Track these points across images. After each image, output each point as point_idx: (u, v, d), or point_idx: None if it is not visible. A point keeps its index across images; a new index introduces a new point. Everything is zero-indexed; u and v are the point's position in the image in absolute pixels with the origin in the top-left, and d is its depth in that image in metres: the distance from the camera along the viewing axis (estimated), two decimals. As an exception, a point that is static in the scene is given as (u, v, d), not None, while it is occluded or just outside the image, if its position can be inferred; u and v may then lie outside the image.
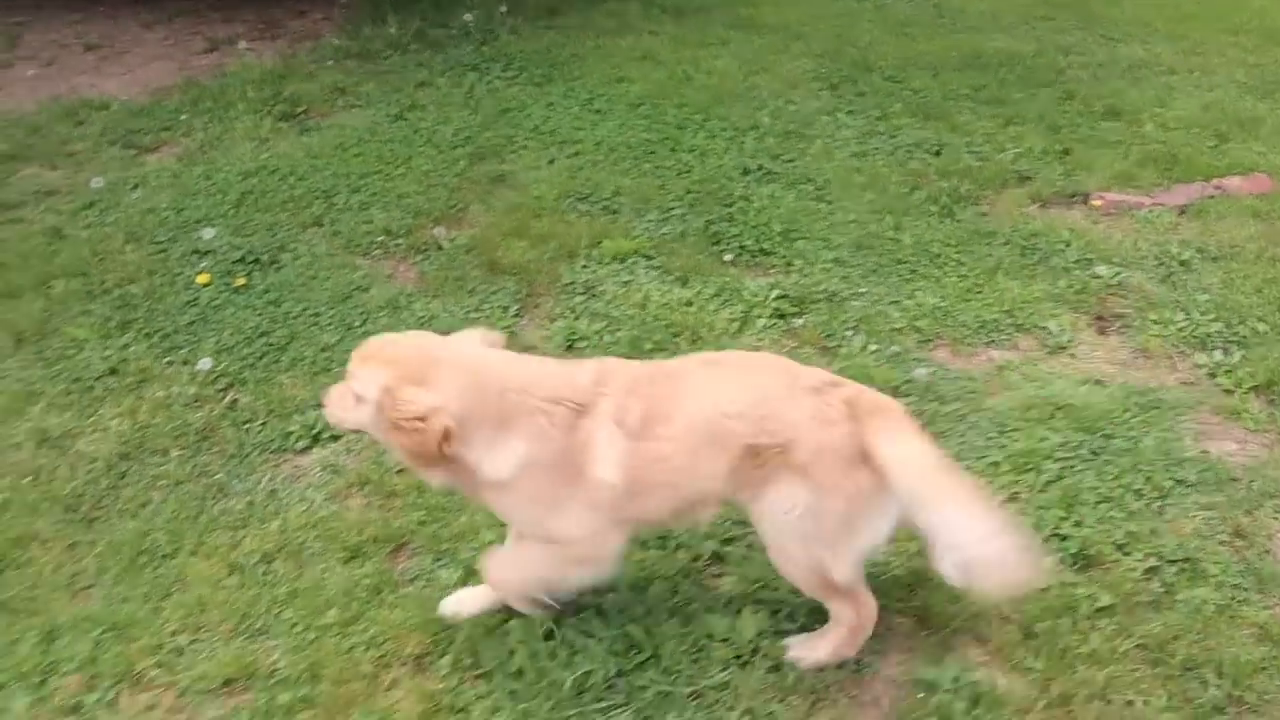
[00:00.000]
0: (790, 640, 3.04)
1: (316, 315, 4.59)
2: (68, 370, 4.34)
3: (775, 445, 2.74)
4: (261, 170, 5.86)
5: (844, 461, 2.73)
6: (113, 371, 4.31)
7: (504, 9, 8.18)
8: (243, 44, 7.77)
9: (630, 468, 2.78)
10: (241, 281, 4.82)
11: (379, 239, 5.19)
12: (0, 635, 3.15)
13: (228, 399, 4.17)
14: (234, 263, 4.98)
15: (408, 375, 2.71)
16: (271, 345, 4.43)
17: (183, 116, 6.70)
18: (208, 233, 5.16)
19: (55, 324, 4.63)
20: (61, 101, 7.05)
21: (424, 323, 4.46)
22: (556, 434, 2.76)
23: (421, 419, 2.66)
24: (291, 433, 3.93)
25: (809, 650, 3.01)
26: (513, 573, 3.03)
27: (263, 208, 5.49)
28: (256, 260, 5.00)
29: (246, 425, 4.01)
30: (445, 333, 2.94)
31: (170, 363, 4.35)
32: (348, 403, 2.83)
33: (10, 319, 4.65)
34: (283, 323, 4.57)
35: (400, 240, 5.18)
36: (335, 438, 3.86)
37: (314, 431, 3.91)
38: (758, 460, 2.76)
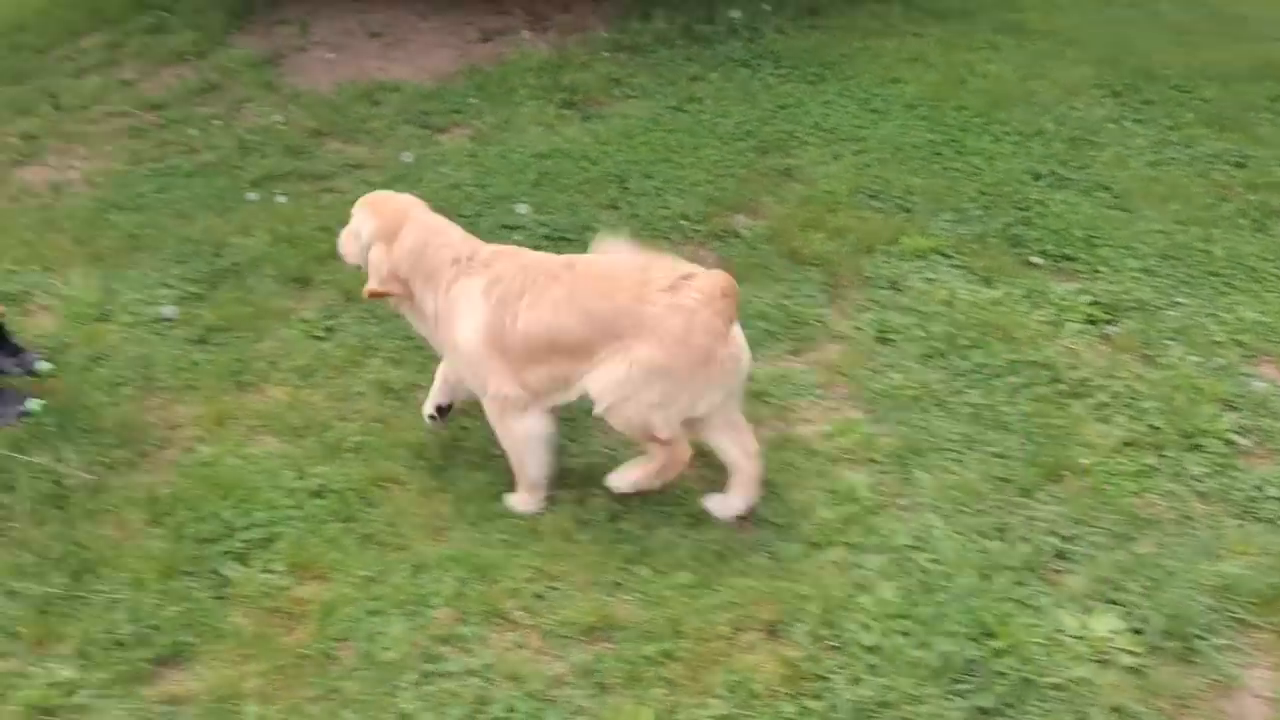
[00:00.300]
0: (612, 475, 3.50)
1: (628, 292, 4.75)
2: (398, 328, 4.59)
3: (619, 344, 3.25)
4: (555, 153, 6.10)
5: (706, 335, 3.20)
6: (440, 333, 4.56)
7: (768, 7, 8.25)
8: (525, 33, 8.09)
9: (489, 337, 3.40)
10: (554, 257, 5.03)
11: (678, 224, 5.33)
12: (372, 564, 3.38)
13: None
14: (543, 238, 5.19)
15: (385, 225, 3.54)
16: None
17: (471, 100, 7.04)
18: (521, 208, 5.41)
19: (381, 286, 4.92)
20: (356, 84, 7.47)
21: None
22: (444, 286, 3.46)
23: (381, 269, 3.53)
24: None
25: (621, 478, 3.48)
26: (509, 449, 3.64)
27: (560, 188, 5.71)
28: (564, 237, 5.21)
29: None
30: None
31: (494, 329, 4.56)
32: (350, 239, 3.68)
33: (342, 278, 4.97)
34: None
35: (699, 227, 5.32)
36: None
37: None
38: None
